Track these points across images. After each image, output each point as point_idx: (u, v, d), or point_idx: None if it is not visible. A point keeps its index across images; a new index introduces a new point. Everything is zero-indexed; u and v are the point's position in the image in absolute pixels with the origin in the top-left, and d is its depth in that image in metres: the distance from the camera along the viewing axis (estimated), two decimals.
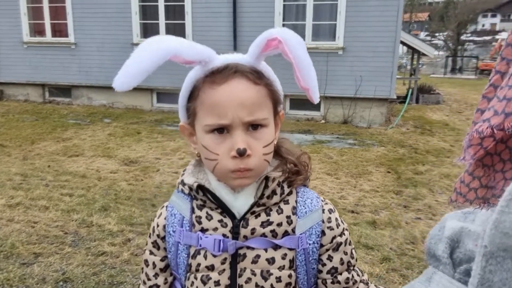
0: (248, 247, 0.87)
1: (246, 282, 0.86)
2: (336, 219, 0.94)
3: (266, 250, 0.87)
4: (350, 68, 8.78)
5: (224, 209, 0.88)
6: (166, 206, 0.96)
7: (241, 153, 0.80)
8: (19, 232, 3.53)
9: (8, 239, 3.37)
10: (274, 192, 0.88)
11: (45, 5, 10.44)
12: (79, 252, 3.22)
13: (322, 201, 0.94)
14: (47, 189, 4.59)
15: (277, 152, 0.92)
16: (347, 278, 0.92)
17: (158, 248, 0.95)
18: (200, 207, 0.90)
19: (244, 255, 0.87)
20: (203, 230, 0.89)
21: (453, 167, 6.12)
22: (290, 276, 0.87)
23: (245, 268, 0.86)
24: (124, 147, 6.66)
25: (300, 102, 9.01)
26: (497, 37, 43.27)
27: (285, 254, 0.87)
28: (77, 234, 3.56)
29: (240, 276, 0.86)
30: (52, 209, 4.05)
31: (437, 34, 36.14)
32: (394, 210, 4.42)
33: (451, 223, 0.94)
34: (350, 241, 0.95)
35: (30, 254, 3.17)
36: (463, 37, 36.69)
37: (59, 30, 10.60)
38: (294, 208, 0.90)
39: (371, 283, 0.97)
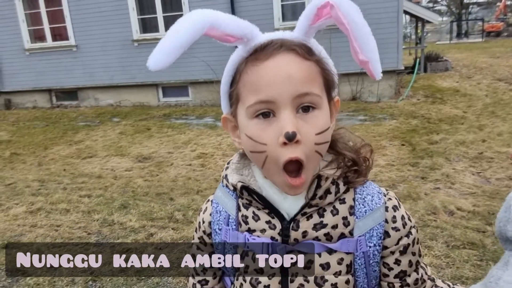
0: (299, 251, 0.78)
1: None
2: (402, 217, 0.81)
3: (319, 254, 0.77)
4: None
5: (272, 210, 0.79)
6: (211, 201, 0.89)
7: (290, 138, 0.67)
8: (44, 236, 3.58)
9: (33, 245, 3.43)
10: (328, 192, 0.77)
11: (43, 10, 10.42)
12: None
13: (385, 195, 0.82)
14: (65, 192, 4.64)
15: (333, 147, 0.80)
16: (416, 279, 0.83)
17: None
18: (246, 206, 0.82)
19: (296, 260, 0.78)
20: (250, 231, 0.81)
21: (468, 133, 6.04)
22: (347, 281, 0.78)
23: (296, 273, 0.78)
24: (136, 144, 6.68)
25: None
26: None
27: (342, 259, 0.78)
28: (100, 233, 3.60)
29: (292, 281, 0.78)
30: (73, 211, 4.10)
31: (439, 0, 35.39)
32: (412, 182, 4.39)
33: None
34: (417, 239, 0.84)
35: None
36: (466, 0, 35.91)
37: (59, 34, 10.59)
38: (352, 207, 0.79)
39: (437, 278, 0.88)
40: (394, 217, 0.81)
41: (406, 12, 11.52)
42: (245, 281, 0.82)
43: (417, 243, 0.83)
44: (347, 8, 0.70)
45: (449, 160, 5.03)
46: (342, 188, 0.79)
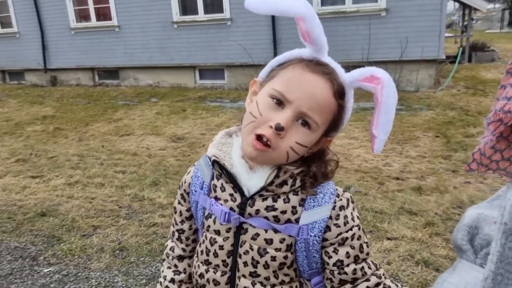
0: (250, 224, 0.92)
1: (245, 253, 0.93)
2: (346, 216, 0.91)
3: (266, 230, 0.91)
4: (395, 29, 8.38)
5: (236, 186, 0.93)
6: (195, 166, 1.05)
7: (277, 128, 0.81)
8: (79, 207, 3.82)
9: (69, 214, 3.67)
10: (285, 182, 0.90)
11: None
12: (133, 224, 3.45)
13: (338, 196, 0.92)
14: (102, 168, 4.88)
15: (306, 160, 0.92)
16: (355, 269, 0.90)
17: (184, 200, 1.05)
18: (218, 177, 0.97)
19: (246, 230, 0.92)
20: (216, 198, 0.96)
21: None
22: (285, 257, 0.91)
23: (245, 241, 0.93)
24: (171, 124, 6.87)
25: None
26: None
27: (284, 239, 0.91)
28: (131, 207, 3.80)
29: (241, 246, 0.93)
30: (107, 185, 4.33)
31: None
32: (442, 175, 4.31)
33: (470, 211, 0.97)
34: (359, 236, 0.92)
35: (89, 227, 3.44)
36: None
37: (103, 14, 10.92)
38: (303, 200, 0.91)
39: (386, 278, 0.93)
40: (338, 215, 0.91)
41: None
42: (206, 238, 0.98)
43: (358, 240, 0.92)
44: (390, 91, 0.85)
45: None
46: (297, 183, 0.91)
